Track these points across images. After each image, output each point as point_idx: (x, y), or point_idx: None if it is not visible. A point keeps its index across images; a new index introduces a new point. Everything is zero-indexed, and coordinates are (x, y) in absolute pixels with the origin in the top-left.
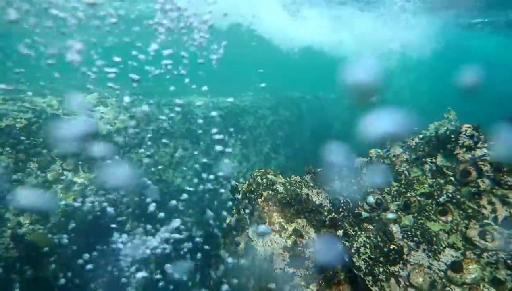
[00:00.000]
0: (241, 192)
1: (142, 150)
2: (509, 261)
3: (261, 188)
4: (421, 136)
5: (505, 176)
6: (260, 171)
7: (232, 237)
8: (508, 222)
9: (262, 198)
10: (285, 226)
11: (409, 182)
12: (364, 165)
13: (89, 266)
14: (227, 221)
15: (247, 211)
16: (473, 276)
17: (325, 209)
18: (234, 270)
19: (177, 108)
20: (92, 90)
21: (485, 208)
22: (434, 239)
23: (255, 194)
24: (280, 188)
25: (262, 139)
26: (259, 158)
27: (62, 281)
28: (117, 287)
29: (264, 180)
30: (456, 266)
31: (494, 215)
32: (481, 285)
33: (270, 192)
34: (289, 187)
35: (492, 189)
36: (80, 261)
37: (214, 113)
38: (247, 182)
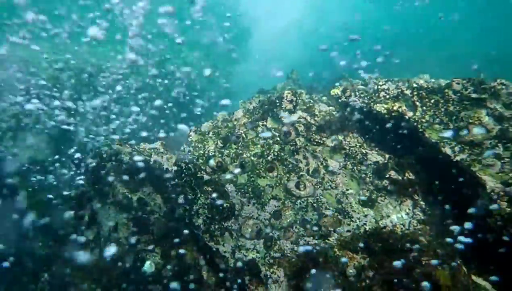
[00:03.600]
0: (85, 164)
1: None
2: (315, 204)
3: (105, 159)
4: (257, 100)
5: (314, 134)
6: (105, 141)
7: (76, 209)
8: (316, 171)
9: (105, 169)
10: (130, 196)
11: (245, 143)
12: (210, 129)
13: None
14: (72, 195)
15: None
16: (288, 220)
17: (170, 175)
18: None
19: None
20: None
21: (301, 162)
22: (262, 193)
23: (100, 165)
24: (126, 158)
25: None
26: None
27: None
28: None
29: (109, 151)
30: (276, 214)
31: (307, 167)
32: (293, 227)
33: (114, 162)
34: (136, 155)
35: (306, 146)
36: None
37: None
38: (91, 154)
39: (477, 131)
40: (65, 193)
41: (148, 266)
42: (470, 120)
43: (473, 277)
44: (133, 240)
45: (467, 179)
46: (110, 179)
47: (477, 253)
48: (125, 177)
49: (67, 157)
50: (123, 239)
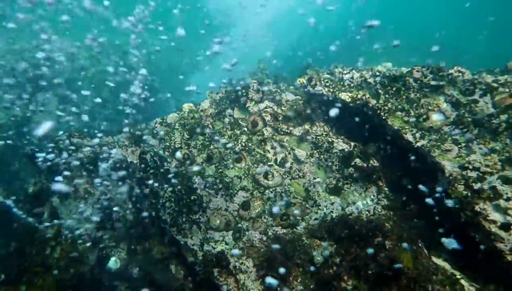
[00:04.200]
0: (42, 159)
1: None
2: (283, 194)
3: (63, 152)
4: (224, 90)
5: (281, 124)
6: (64, 134)
7: (35, 206)
8: (283, 160)
9: (65, 163)
10: (92, 191)
11: (213, 134)
12: (176, 121)
13: None
14: (29, 190)
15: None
16: (257, 211)
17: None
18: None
19: None
20: None
21: (269, 152)
22: (230, 184)
23: (59, 159)
24: (86, 151)
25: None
26: None
27: None
28: None
29: (68, 144)
30: (245, 205)
31: (275, 157)
32: (262, 217)
33: (74, 156)
34: (98, 149)
35: (273, 136)
36: None
37: None
38: (49, 147)
39: (436, 117)
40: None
41: (113, 263)
42: (430, 107)
43: (433, 259)
44: (97, 236)
45: (427, 163)
46: (70, 173)
47: (436, 234)
48: (87, 171)
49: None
50: (86, 236)
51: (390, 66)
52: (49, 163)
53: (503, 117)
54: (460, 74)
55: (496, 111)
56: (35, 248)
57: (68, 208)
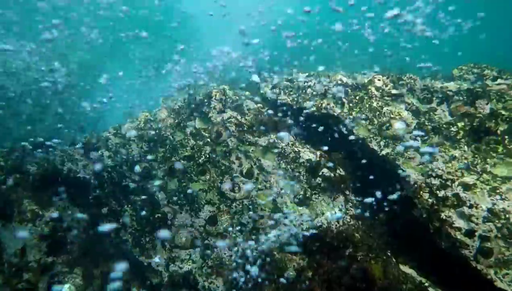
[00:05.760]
0: None
1: None
2: (250, 206)
3: (4, 171)
4: (183, 98)
5: (246, 134)
6: (4, 150)
7: None
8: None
9: (8, 184)
10: (41, 213)
11: (174, 146)
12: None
13: None
14: None
15: None
16: (224, 225)
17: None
18: None
19: None
20: None
21: (234, 163)
22: (195, 198)
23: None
24: (33, 168)
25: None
26: None
27: None
28: None
29: (9, 162)
30: (212, 220)
31: (240, 168)
32: (230, 233)
33: (18, 175)
34: (45, 164)
35: (238, 146)
36: None
37: None
38: None
39: (398, 126)
40: None
41: (67, 290)
42: (392, 116)
43: (401, 267)
44: (47, 262)
45: (392, 171)
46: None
47: (403, 242)
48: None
49: None
50: (34, 263)
51: (344, 73)
52: None
53: (460, 125)
54: (412, 81)
55: (453, 119)
56: None
57: (13, 233)
